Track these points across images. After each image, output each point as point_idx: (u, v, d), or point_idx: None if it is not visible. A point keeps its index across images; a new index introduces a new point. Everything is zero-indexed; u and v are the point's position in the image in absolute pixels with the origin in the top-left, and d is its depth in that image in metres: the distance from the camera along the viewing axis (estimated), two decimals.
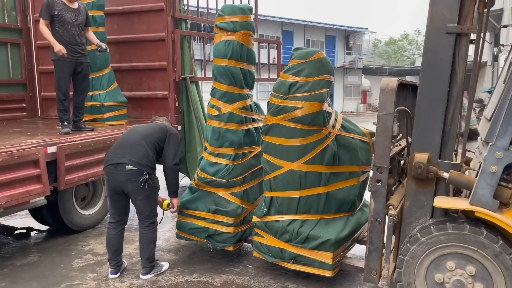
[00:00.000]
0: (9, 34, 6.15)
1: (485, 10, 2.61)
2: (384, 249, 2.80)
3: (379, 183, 2.72)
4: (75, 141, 4.07)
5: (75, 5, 4.67)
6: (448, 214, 2.63)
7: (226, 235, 3.62)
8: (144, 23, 5.67)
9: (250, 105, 3.87)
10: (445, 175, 2.57)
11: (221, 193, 3.70)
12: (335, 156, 3.25)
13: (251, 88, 3.92)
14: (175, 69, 5.48)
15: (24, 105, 6.39)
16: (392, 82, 2.70)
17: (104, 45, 4.86)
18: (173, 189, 3.57)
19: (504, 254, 2.31)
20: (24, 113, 6.38)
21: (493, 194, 2.36)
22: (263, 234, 3.39)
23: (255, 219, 3.43)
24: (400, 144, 3.18)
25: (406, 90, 3.21)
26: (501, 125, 2.36)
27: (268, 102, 3.36)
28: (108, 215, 3.56)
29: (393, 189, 2.98)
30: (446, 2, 2.55)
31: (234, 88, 3.70)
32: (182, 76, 5.59)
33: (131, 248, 4.14)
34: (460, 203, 2.50)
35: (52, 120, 6.08)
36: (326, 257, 3.13)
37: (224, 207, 3.64)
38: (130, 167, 3.24)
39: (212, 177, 3.68)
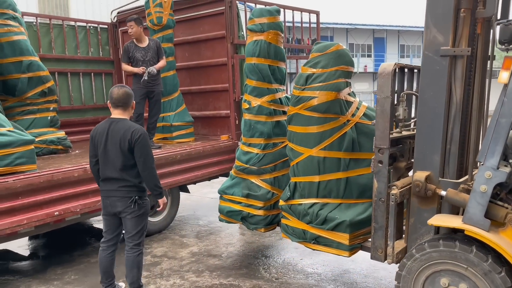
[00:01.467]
0: (103, 66, 7.27)
1: (484, 30, 2.60)
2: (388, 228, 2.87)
3: (381, 164, 2.85)
4: None
5: (144, 44, 5.45)
6: (452, 232, 2.64)
7: (258, 218, 3.97)
8: (210, 50, 6.28)
9: (280, 98, 4.13)
10: (443, 193, 2.62)
11: (253, 179, 4.08)
12: (355, 143, 3.37)
13: (281, 83, 4.18)
14: (235, 90, 5.98)
15: None
16: (389, 66, 2.82)
17: (154, 71, 5.36)
18: (154, 191, 3.39)
19: (494, 272, 2.29)
20: None
21: (484, 213, 2.36)
22: (288, 216, 3.62)
23: (281, 202, 3.70)
24: (412, 129, 3.21)
25: (413, 75, 3.27)
26: (489, 145, 2.38)
27: (292, 95, 3.64)
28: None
29: (404, 173, 3.07)
30: (440, 26, 2.64)
31: (263, 83, 4.04)
32: (241, 96, 6.07)
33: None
34: (453, 221, 2.52)
35: None
36: (343, 238, 3.27)
37: (255, 191, 4.00)
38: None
39: (245, 165, 4.09)
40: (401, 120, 3.03)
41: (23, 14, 6.08)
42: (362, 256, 3.44)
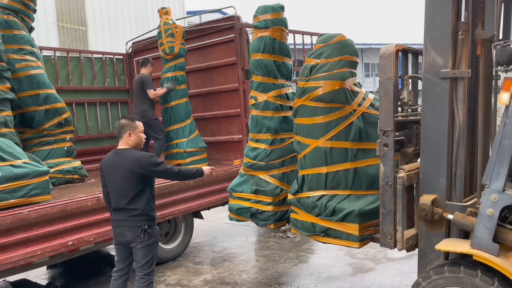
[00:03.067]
0: (119, 95, 7.44)
1: (485, 51, 2.57)
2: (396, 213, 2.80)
3: (386, 147, 2.80)
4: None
5: None
6: (463, 257, 2.56)
7: (267, 214, 3.93)
8: (221, 76, 6.38)
9: (286, 94, 4.10)
10: (450, 217, 2.55)
11: (261, 175, 4.05)
12: (362, 133, 3.31)
13: (287, 78, 4.17)
14: (247, 114, 6.01)
15: None
16: (390, 47, 2.81)
17: (171, 86, 5.85)
18: (196, 178, 3.54)
19: None
20: None
21: (492, 237, 2.29)
22: (297, 210, 3.55)
23: (289, 196, 3.62)
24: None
25: (418, 59, 3.23)
26: (494, 167, 2.35)
27: (297, 87, 3.61)
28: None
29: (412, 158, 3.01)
30: (439, 48, 2.64)
31: (268, 78, 4.05)
32: None
33: None
34: (461, 246, 2.45)
35: None
36: (352, 228, 3.18)
37: (264, 187, 3.97)
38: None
39: (252, 161, 4.07)
40: (406, 103, 2.99)
41: (42, 48, 6.33)
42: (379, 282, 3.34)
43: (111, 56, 7.41)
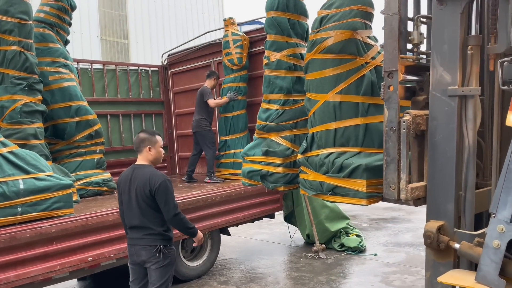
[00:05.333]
0: (154, 106, 7.46)
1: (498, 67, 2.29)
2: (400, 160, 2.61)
3: (391, 89, 2.62)
4: (177, 200, 4.65)
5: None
6: None
7: (277, 175, 3.79)
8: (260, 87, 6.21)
9: (301, 53, 3.92)
10: (456, 246, 2.30)
11: (273, 137, 3.93)
12: (374, 87, 3.04)
13: (302, 38, 4.00)
14: None
15: (165, 164, 7.54)
16: None
17: (233, 96, 5.87)
18: (187, 234, 3.36)
19: None
20: (165, 171, 7.50)
21: (498, 271, 2.05)
22: (305, 170, 3.40)
23: (298, 156, 3.47)
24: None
25: None
26: (501, 194, 2.11)
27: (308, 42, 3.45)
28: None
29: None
30: (446, 64, 2.45)
31: (282, 37, 3.94)
32: None
33: None
34: (466, 280, 2.17)
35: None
36: (360, 184, 2.99)
37: (274, 148, 3.84)
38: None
39: (264, 122, 3.97)
40: (416, 45, 2.76)
41: (79, 61, 6.46)
42: None
43: (147, 68, 7.45)
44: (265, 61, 4.03)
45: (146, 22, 12.21)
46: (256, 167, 3.98)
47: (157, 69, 7.56)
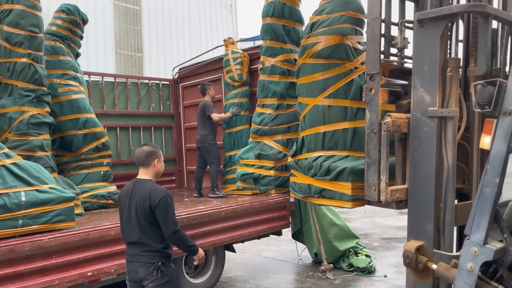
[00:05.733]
0: (164, 120, 7.46)
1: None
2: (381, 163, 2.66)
3: (372, 91, 2.66)
4: (181, 215, 4.57)
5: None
6: None
7: (268, 178, 4.03)
8: None
9: (295, 59, 3.93)
10: (434, 267, 2.35)
11: (266, 140, 4.09)
12: (363, 91, 3.01)
13: (297, 44, 4.03)
14: None
15: (174, 177, 7.50)
16: None
17: (236, 111, 5.75)
18: (187, 251, 3.29)
19: None
20: (173, 185, 7.46)
21: None
22: (295, 173, 3.47)
23: (289, 159, 3.53)
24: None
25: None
26: (475, 217, 2.17)
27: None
28: None
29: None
30: (426, 85, 2.49)
31: (276, 42, 4.11)
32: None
33: None
34: None
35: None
36: (345, 187, 3.05)
37: (266, 151, 4.00)
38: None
39: (258, 126, 4.11)
40: (400, 49, 2.79)
41: (90, 73, 6.51)
42: None
43: (157, 82, 7.48)
44: (260, 66, 4.12)
45: (161, 36, 12.34)
46: (249, 170, 4.09)
47: (168, 82, 7.59)
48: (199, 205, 5.06)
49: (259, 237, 5.50)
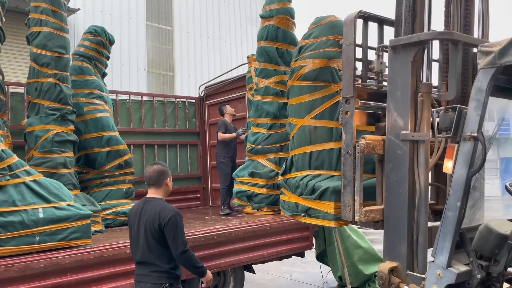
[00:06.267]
0: (189, 137, 7.51)
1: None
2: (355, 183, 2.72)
3: (347, 114, 2.76)
4: (198, 234, 4.52)
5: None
6: None
7: (261, 196, 4.21)
8: None
9: (287, 80, 3.94)
10: None
11: (259, 159, 4.28)
12: None
13: (290, 66, 4.03)
14: None
15: (199, 195, 7.50)
16: (352, 14, 2.83)
17: (240, 132, 5.80)
18: (195, 273, 3.16)
19: None
20: (198, 202, 7.45)
21: None
22: (284, 191, 3.58)
23: (279, 178, 3.66)
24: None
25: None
26: (438, 240, 2.25)
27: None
28: None
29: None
30: (399, 109, 2.56)
31: (269, 64, 4.30)
32: None
33: None
34: None
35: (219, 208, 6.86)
36: (328, 206, 3.11)
37: (259, 170, 4.18)
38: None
39: (252, 145, 4.29)
40: (377, 73, 2.89)
41: (117, 92, 6.68)
42: None
43: (184, 100, 7.57)
44: (254, 87, 4.30)
45: (191, 55, 12.58)
46: (244, 187, 4.28)
47: (194, 100, 7.66)
48: (218, 224, 4.99)
49: (280, 258, 5.36)
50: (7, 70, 5.65)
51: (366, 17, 2.97)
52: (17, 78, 7.35)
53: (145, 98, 7.15)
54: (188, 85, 12.27)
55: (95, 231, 4.46)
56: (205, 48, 12.93)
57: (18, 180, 3.75)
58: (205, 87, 7.75)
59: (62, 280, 3.58)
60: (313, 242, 5.65)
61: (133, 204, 5.38)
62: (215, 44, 13.16)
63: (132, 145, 6.52)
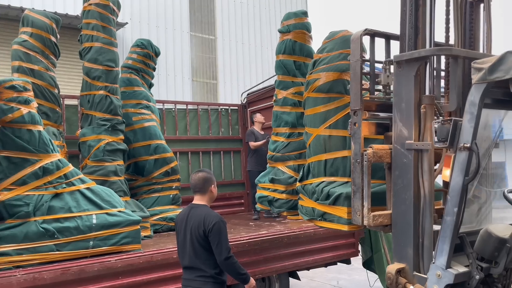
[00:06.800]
0: (232, 144, 7.62)
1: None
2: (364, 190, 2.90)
3: (355, 126, 2.96)
4: (242, 240, 4.57)
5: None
6: None
7: (281, 201, 4.43)
8: None
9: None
10: None
11: (279, 166, 4.52)
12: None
13: None
14: None
15: (243, 200, 7.57)
16: (359, 32, 3.03)
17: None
18: (238, 279, 3.17)
19: None
20: (242, 208, 7.52)
21: None
22: (302, 197, 3.82)
23: (297, 184, 3.90)
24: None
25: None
26: (438, 242, 2.43)
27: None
28: None
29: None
30: (404, 120, 2.73)
31: (287, 77, 4.57)
32: None
33: None
34: None
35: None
36: (342, 211, 3.31)
37: (279, 176, 4.43)
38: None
39: (272, 153, 4.55)
40: (384, 86, 3.08)
41: (163, 102, 6.92)
42: None
43: (227, 107, 7.70)
44: (273, 98, 4.58)
45: (234, 63, 12.77)
46: (265, 193, 4.52)
47: (237, 107, 7.77)
48: (262, 230, 5.03)
49: (325, 265, 5.31)
50: (62, 84, 5.98)
51: (372, 34, 3.17)
52: (71, 91, 7.78)
53: (189, 106, 7.34)
54: (231, 92, 12.45)
55: (144, 236, 4.62)
56: (247, 55, 13.09)
57: (73, 188, 3.97)
58: (247, 94, 7.84)
59: (115, 283, 3.75)
60: (359, 249, 5.56)
61: (180, 210, 5.57)
62: (256, 52, 13.28)
63: (178, 153, 6.70)
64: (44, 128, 3.99)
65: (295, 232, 4.89)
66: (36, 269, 3.45)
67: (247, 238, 4.61)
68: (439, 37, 3.05)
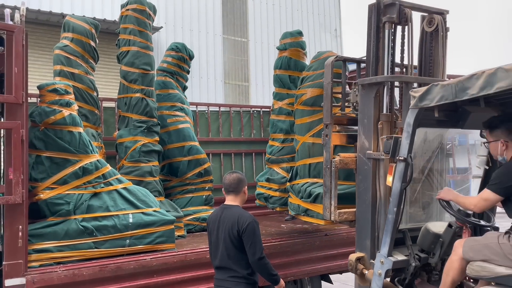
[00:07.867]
0: (264, 146, 7.44)
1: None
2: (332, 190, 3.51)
3: (327, 137, 3.58)
4: (274, 242, 4.57)
5: None
6: None
7: (274, 198, 4.91)
8: None
9: None
10: (365, 272, 3.16)
11: (274, 167, 5.04)
12: None
13: None
14: None
15: None
16: (330, 59, 3.67)
17: None
18: (270, 280, 3.19)
19: None
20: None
21: None
22: (291, 195, 4.47)
23: (287, 184, 4.57)
24: None
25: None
26: (383, 236, 2.99)
27: None
28: None
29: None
30: (366, 133, 3.31)
31: (283, 89, 5.11)
32: None
33: None
34: None
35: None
36: (319, 208, 3.89)
37: (274, 176, 4.94)
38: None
39: (269, 155, 5.12)
40: (352, 104, 3.65)
41: (197, 104, 7.01)
42: None
43: (258, 109, 7.73)
44: (270, 108, 5.21)
45: (266, 65, 12.81)
46: (262, 190, 5.06)
47: (268, 109, 7.77)
48: (294, 232, 5.02)
49: None
50: (100, 86, 6.18)
51: (344, 60, 3.89)
52: (109, 93, 8.03)
53: (222, 108, 7.42)
54: (263, 94, 12.50)
55: (178, 236, 4.70)
56: None
57: (111, 188, 4.09)
58: None
59: (150, 281, 3.84)
60: None
61: (212, 211, 5.64)
62: None
63: (210, 154, 6.77)
64: (83, 130, 4.13)
65: (327, 235, 4.86)
66: (76, 266, 3.59)
67: (279, 240, 4.62)
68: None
